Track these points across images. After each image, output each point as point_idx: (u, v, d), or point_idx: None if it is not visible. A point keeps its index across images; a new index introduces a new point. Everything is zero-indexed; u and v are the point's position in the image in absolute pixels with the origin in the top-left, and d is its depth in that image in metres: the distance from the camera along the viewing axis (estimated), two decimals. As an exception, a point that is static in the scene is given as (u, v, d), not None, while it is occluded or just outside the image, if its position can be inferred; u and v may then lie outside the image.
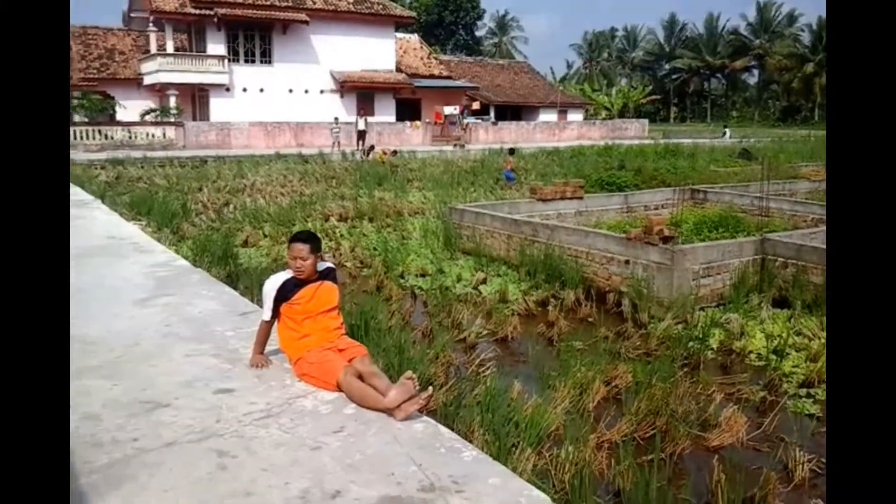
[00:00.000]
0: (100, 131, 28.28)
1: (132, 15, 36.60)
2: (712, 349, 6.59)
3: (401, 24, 39.72)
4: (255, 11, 32.89)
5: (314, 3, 34.92)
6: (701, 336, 6.63)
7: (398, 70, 38.68)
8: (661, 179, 16.72)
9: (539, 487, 3.60)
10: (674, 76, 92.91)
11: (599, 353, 5.90)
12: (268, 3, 33.30)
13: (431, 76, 40.89)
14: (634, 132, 44.58)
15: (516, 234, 9.41)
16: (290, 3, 34.04)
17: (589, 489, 3.66)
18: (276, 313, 4.59)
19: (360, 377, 4.22)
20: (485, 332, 7.03)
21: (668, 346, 6.52)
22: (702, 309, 7.58)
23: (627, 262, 7.83)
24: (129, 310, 6.16)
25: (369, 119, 34.13)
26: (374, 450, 3.65)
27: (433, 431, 3.88)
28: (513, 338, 6.92)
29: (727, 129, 46.68)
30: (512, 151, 19.87)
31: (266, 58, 34.65)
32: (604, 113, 57.68)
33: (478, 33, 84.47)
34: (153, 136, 29.11)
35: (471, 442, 4.32)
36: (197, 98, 34.34)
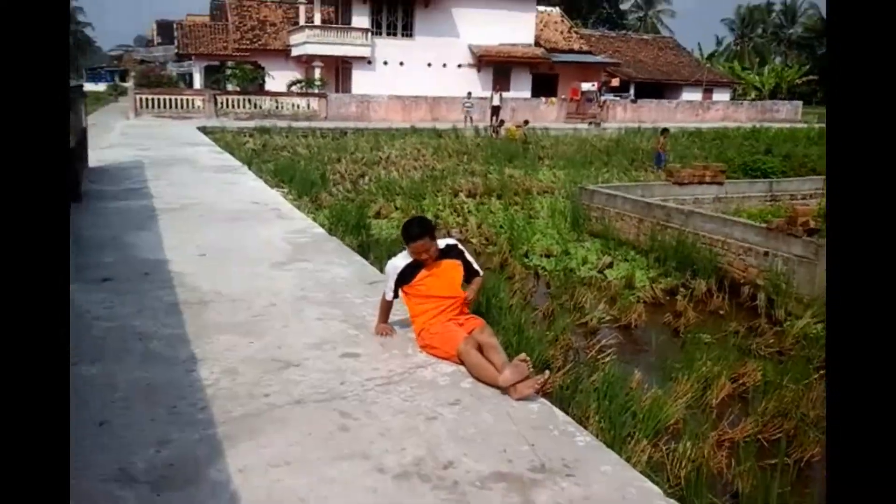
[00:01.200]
0: (249, 100, 29.92)
1: (284, -12, 38.30)
2: (855, 353, 6.16)
3: (542, -2, 39.17)
4: (399, -15, 33.50)
5: (456, -24, 35.06)
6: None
7: (537, 44, 38.21)
8: (811, 167, 15.63)
9: (652, 480, 3.55)
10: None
11: (728, 349, 5.65)
12: (412, -24, 33.80)
13: (571, 51, 40.09)
14: (786, 114, 41.73)
15: (648, 218, 9.14)
16: (434, -23, 34.36)
17: (705, 487, 3.55)
18: (397, 293, 4.75)
19: (480, 349, 4.30)
20: (608, 317, 6.94)
21: (805, 345, 6.16)
22: (847, 309, 7.08)
23: (767, 253, 7.42)
24: (269, 271, 6.55)
25: (505, 94, 34.06)
26: (487, 425, 3.72)
27: (548, 413, 3.90)
28: (636, 325, 6.78)
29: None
30: (665, 132, 18.82)
31: (407, 31, 35.24)
32: (754, 93, 54.33)
33: (623, 7, 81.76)
34: (298, 106, 30.46)
35: (585, 427, 4.32)
36: (340, 70, 35.52)
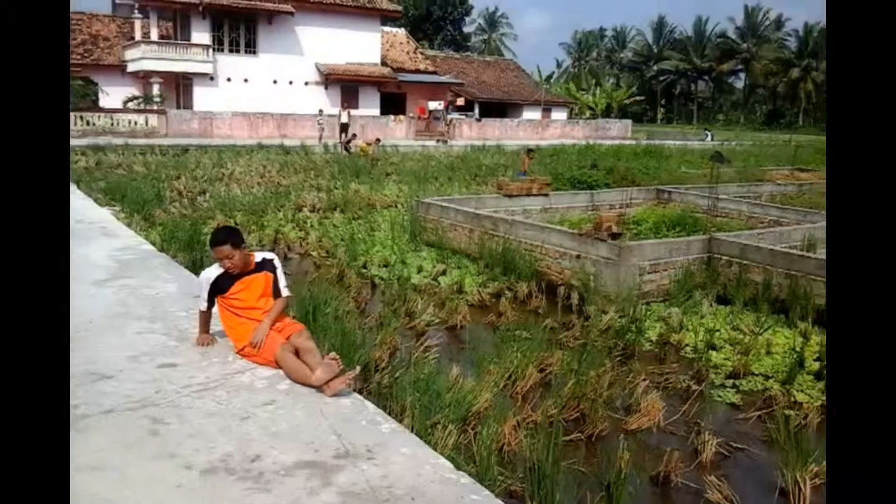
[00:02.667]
0: (81, 117, 28.26)
1: (118, 1, 36.51)
2: (651, 341, 6.88)
3: (387, 18, 39.88)
4: (240, 1, 32.93)
5: (301, -6, 35.00)
6: (639, 329, 6.93)
7: (384, 64, 38.84)
8: (631, 179, 17.05)
9: (452, 460, 3.88)
10: (661, 77, 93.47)
11: (539, 342, 6.16)
12: (254, -8, 33.36)
13: (417, 71, 41.07)
14: (617, 132, 44.96)
15: (478, 227, 9.67)
16: (277, -6, 34.11)
17: (494, 460, 3.92)
18: (211, 303, 4.83)
19: (297, 353, 4.47)
20: (437, 320, 7.29)
21: (608, 337, 6.81)
22: (647, 304, 7.88)
23: (578, 256, 8.11)
24: (88, 290, 6.37)
25: (353, 112, 34.31)
26: (299, 421, 3.90)
27: (359, 407, 4.14)
28: (462, 326, 7.19)
29: (709, 132, 47.25)
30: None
31: (251, 48, 34.71)
32: (588, 112, 58.05)
33: (467, 29, 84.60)
34: (135, 123, 29.13)
35: (402, 419, 4.60)
36: (181, 86, 34.33)
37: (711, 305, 7.72)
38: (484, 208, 11.02)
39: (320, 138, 30.00)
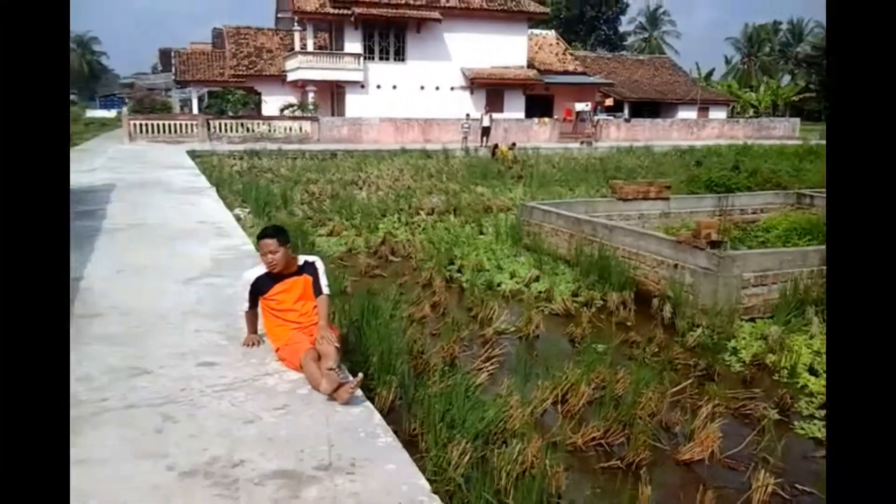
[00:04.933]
0: (242, 124, 30.40)
1: (279, 15, 38.96)
2: (743, 362, 6.21)
3: (535, 20, 39.50)
4: (390, 10, 33.99)
5: (447, 0, 35.53)
6: (727, 347, 6.28)
7: (531, 66, 38.53)
8: (776, 182, 15.66)
9: (434, 480, 3.68)
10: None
11: (597, 357, 5.75)
12: (402, 2, 34.28)
13: (565, 72, 40.36)
14: (783, 131, 41.65)
15: (577, 232, 9.25)
16: (424, 2, 34.83)
17: (486, 486, 3.65)
18: (254, 303, 4.91)
19: (320, 359, 4.44)
20: (512, 328, 7.03)
21: (693, 355, 6.23)
22: (752, 320, 7.14)
23: (676, 266, 7.51)
24: (176, 287, 6.74)
25: (497, 115, 34.33)
26: (302, 428, 3.85)
27: (366, 417, 4.02)
28: (536, 336, 6.87)
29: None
30: (514, 145, 17.38)
31: (400, 55, 35.71)
32: (751, 111, 54.26)
33: (624, 28, 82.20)
34: (290, 129, 30.90)
35: (415, 432, 4.44)
36: (334, 94, 36.02)
37: (823, 324, 6.84)
38: (595, 213, 10.53)
39: (465, 141, 30.31)
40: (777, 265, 7.24)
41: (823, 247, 7.81)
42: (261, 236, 4.86)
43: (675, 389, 5.26)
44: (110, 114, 62.18)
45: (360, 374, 4.15)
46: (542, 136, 35.22)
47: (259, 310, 4.99)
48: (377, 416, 4.03)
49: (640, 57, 53.90)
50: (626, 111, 42.82)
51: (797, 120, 44.91)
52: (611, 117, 39.72)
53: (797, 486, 4.22)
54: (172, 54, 41.85)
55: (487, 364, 5.94)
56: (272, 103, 34.82)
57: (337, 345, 4.52)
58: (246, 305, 4.97)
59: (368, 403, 4.20)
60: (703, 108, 44.92)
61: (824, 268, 7.44)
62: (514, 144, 27.17)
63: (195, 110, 37.63)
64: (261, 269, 4.88)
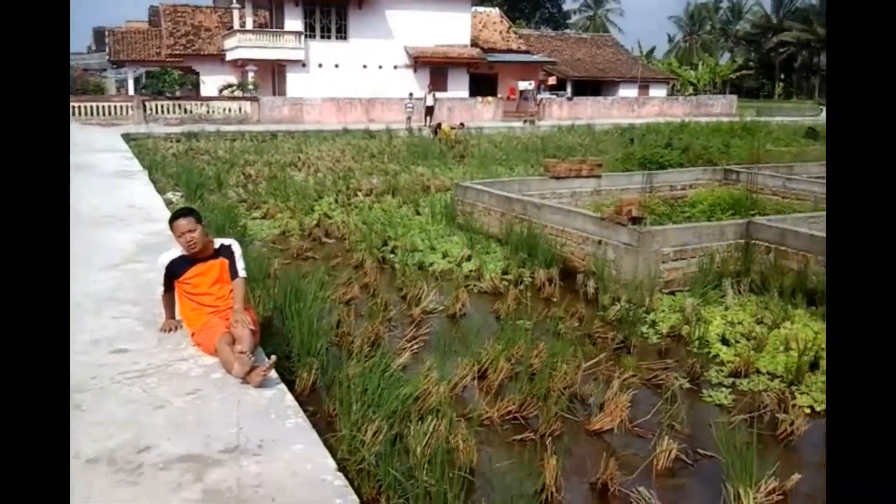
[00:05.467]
0: (180, 105, 29.69)
1: (218, -7, 38.07)
2: (660, 334, 6.43)
3: (478, -1, 39.45)
4: (331, -13, 33.50)
5: (390, -22, 35.18)
6: (645, 320, 6.49)
7: (475, 45, 38.48)
8: (707, 158, 16.07)
9: (347, 460, 3.75)
10: (781, 50, 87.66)
11: (518, 332, 5.87)
12: (343, -21, 33.82)
13: (509, 50, 40.45)
14: (721, 108, 42.62)
15: (509, 211, 9.37)
16: (366, -21, 34.42)
17: (392, 461, 3.73)
18: (167, 287, 4.87)
19: (235, 343, 4.44)
20: (440, 308, 7.11)
21: (613, 328, 6.42)
22: (672, 293, 7.38)
23: (600, 242, 7.69)
24: (95, 274, 6.61)
25: (441, 94, 34.26)
26: (210, 412, 3.86)
27: (277, 399, 4.06)
28: (464, 314, 6.97)
29: (823, 107, 43.96)
30: (632, 140, 18.08)
31: (341, 33, 35.27)
32: (690, 89, 55.33)
33: (568, 6, 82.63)
34: (229, 110, 30.31)
35: (334, 413, 4.49)
36: (275, 73, 35.42)
37: (739, 295, 7.11)
38: (529, 191, 10.67)
39: (409, 121, 30.18)
40: (696, 239, 7.48)
41: (741, 220, 8.10)
42: (174, 218, 4.81)
43: (590, 363, 5.41)
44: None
45: (273, 357, 4.17)
46: (485, 115, 35.30)
47: (175, 294, 4.95)
48: (289, 398, 4.07)
49: (583, 35, 54.37)
50: (569, 90, 43.22)
51: (734, 97, 46.03)
52: (554, 96, 40.04)
53: (699, 450, 4.42)
54: (107, 33, 40.51)
55: (412, 344, 5.99)
56: (211, 83, 34.07)
57: (252, 328, 4.53)
58: (160, 290, 4.92)
59: (282, 386, 4.23)
60: (644, 86, 45.62)
61: (742, 241, 7.73)
62: (461, 125, 27.17)
63: (131, 91, 36.54)
64: (176, 252, 4.84)
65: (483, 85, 38.58)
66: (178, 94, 30.81)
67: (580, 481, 4.06)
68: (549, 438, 4.47)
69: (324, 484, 3.19)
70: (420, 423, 4.34)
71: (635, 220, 7.33)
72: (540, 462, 4.07)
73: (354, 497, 3.10)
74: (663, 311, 6.90)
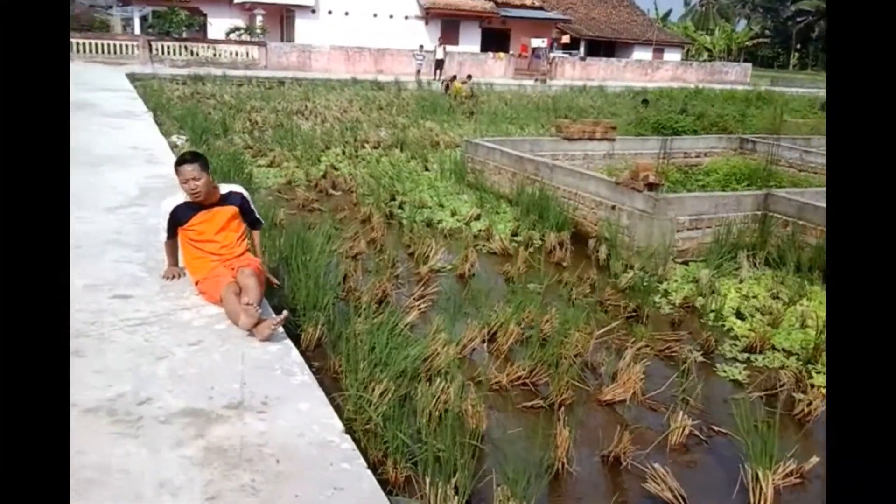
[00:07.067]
0: (186, 47, 29.11)
1: (228, -68, 36.99)
2: (673, 304, 6.28)
3: (495, -50, 38.35)
4: (344, -68, 32.57)
5: (405, -76, 34.20)
6: (658, 289, 6.34)
7: (488, -1, 37.64)
8: (723, 126, 15.76)
9: (354, 419, 3.63)
10: (798, 19, 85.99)
11: (528, 297, 5.73)
12: (357, -77, 32.85)
13: (523, 6, 39.55)
14: (735, 76, 41.90)
15: (520, 171, 9.15)
16: (380, -76, 33.47)
17: (443, 429, 3.59)
18: (171, 234, 4.71)
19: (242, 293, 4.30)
20: (449, 267, 6.96)
21: (625, 296, 6.27)
22: (685, 263, 7.22)
23: (614, 207, 7.50)
24: (96, 216, 6.44)
25: (452, 48, 33.60)
26: (213, 365, 3.73)
27: (282, 354, 3.92)
28: (473, 275, 6.82)
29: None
30: (645, 102, 17.67)
31: (353, -21, 34.43)
32: (705, 54, 54.31)
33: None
34: (236, 54, 29.75)
35: (340, 370, 4.36)
36: (284, 18, 34.68)
37: (755, 268, 6.95)
38: (541, 152, 10.42)
39: (418, 74, 29.63)
40: (712, 209, 7.29)
41: (759, 192, 7.89)
42: (179, 162, 4.62)
43: (602, 331, 5.28)
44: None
45: (285, 312, 4.03)
46: (496, 71, 34.69)
47: (179, 241, 4.79)
48: (295, 353, 3.94)
49: (600, -6, 53.01)
50: (582, 49, 42.42)
51: (749, 65, 45.23)
52: (566, 55, 39.29)
53: (714, 427, 4.30)
54: (112, -31, 39.46)
55: (420, 302, 5.85)
56: (218, 26, 33.33)
57: (269, 277, 4.40)
58: (163, 236, 4.76)
59: (288, 340, 4.10)
60: (659, 49, 44.77)
61: (759, 213, 7.54)
62: (469, 77, 26.63)
63: (137, 31, 35.78)
64: (180, 198, 4.66)
65: (495, 40, 37.83)
66: (184, 35, 30.15)
67: (592, 453, 3.94)
68: (561, 408, 4.35)
69: (330, 446, 3.06)
70: (428, 384, 4.22)
71: (651, 187, 7.12)
72: (552, 432, 3.95)
73: (362, 461, 2.98)
74: (676, 280, 6.75)
